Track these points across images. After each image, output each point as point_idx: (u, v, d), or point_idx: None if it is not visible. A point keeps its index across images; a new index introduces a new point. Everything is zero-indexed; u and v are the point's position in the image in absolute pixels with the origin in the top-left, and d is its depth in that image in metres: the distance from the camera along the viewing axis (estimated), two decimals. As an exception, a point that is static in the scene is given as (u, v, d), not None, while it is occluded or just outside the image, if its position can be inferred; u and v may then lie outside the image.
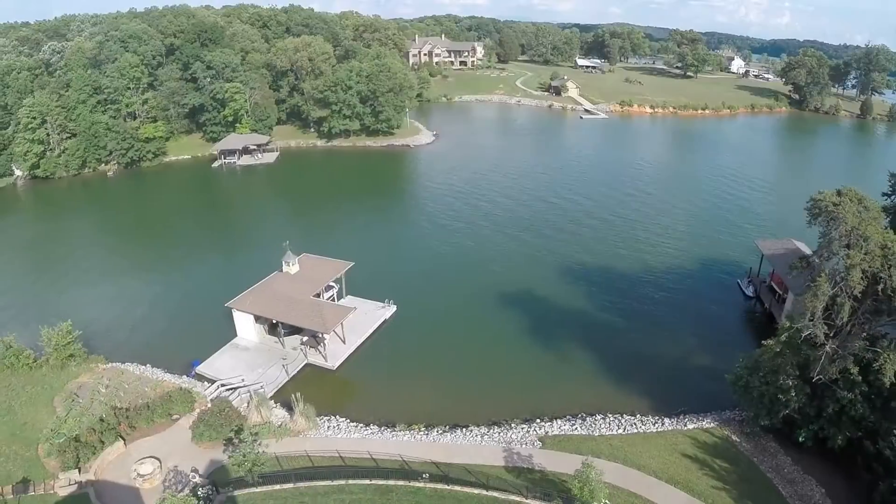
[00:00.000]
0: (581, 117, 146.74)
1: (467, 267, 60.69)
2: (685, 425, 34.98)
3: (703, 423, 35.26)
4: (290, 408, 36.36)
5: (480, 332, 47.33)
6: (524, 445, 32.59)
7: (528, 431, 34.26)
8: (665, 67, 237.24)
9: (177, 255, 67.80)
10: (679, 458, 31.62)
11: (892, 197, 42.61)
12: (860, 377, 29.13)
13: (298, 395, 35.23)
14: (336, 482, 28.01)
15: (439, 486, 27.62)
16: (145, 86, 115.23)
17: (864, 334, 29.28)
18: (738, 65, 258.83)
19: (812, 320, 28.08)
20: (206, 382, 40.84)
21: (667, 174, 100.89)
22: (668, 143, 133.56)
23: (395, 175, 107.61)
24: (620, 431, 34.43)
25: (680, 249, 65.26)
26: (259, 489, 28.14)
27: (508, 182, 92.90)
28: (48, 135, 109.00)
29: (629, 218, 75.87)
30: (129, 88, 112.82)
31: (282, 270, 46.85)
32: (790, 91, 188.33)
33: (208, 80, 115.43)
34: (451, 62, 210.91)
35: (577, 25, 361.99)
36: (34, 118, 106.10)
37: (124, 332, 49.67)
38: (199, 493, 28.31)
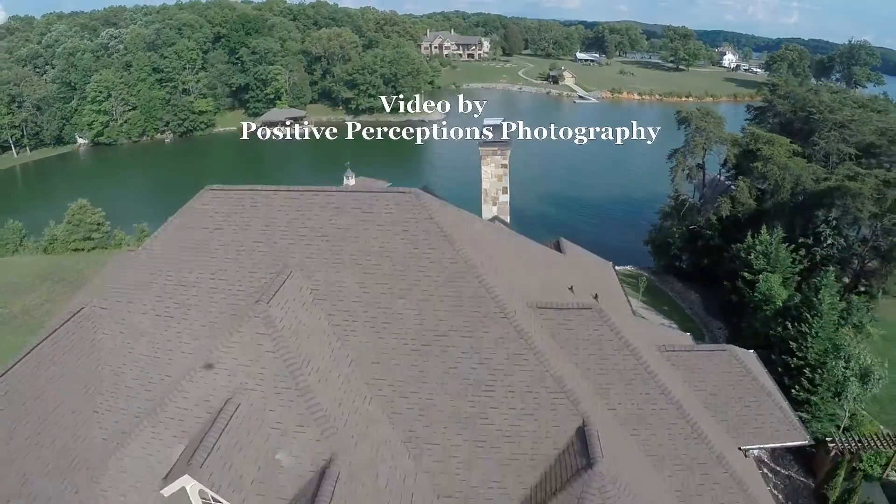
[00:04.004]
0: (575, 102, 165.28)
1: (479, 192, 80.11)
2: (615, 267, 53.26)
3: (626, 268, 53.53)
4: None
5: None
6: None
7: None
8: (660, 62, 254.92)
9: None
10: (605, 277, 49.94)
11: (752, 121, 60.33)
12: (716, 220, 47.18)
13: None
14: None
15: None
16: (199, 67, 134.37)
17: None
18: (729, 59, 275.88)
19: (676, 179, 46.52)
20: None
21: (637, 139, 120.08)
22: (646, 120, 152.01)
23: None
24: (571, 268, 53.06)
25: (637, 187, 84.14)
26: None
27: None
28: (112, 107, 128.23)
29: (601, 165, 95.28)
30: (185, 69, 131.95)
31: (343, 184, 65.49)
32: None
33: (252, 63, 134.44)
34: (460, 54, 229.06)
35: (582, 22, 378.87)
36: (100, 92, 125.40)
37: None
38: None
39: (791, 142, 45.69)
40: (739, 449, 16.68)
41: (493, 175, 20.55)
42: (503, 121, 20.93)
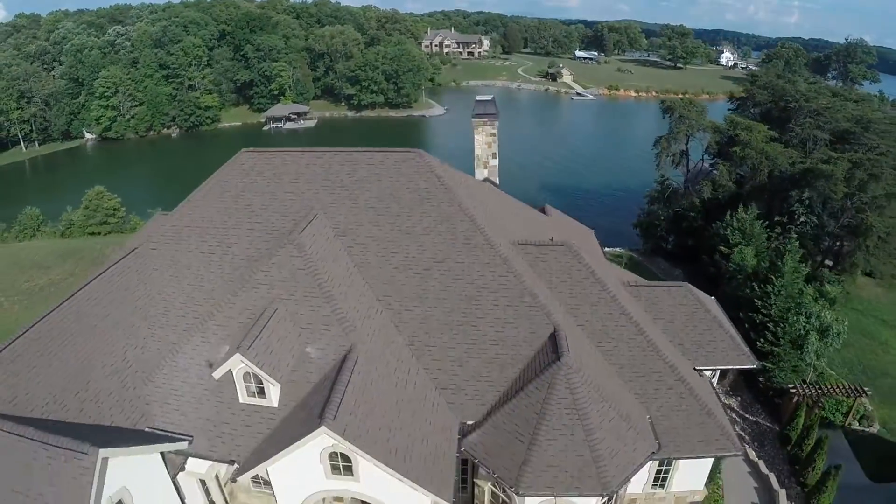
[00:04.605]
0: (572, 98, 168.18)
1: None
2: (604, 249, 56.31)
3: (616, 249, 56.50)
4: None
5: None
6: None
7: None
8: (658, 60, 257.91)
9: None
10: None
11: (734, 111, 63.02)
12: (699, 203, 50.11)
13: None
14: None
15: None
16: (205, 63, 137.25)
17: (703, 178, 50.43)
18: (727, 57, 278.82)
19: (661, 164, 49.47)
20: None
21: (628, 130, 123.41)
22: (642, 115, 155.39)
23: (418, 132, 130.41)
24: (564, 248, 56.18)
25: (629, 176, 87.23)
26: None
27: (506, 133, 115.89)
28: (120, 102, 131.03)
29: (594, 155, 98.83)
30: (191, 65, 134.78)
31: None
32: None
33: (257, 59, 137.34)
34: (460, 52, 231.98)
35: (583, 22, 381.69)
36: (108, 87, 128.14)
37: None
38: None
39: (769, 128, 48.61)
40: (694, 369, 19.60)
41: (483, 142, 23.62)
42: (492, 97, 23.97)
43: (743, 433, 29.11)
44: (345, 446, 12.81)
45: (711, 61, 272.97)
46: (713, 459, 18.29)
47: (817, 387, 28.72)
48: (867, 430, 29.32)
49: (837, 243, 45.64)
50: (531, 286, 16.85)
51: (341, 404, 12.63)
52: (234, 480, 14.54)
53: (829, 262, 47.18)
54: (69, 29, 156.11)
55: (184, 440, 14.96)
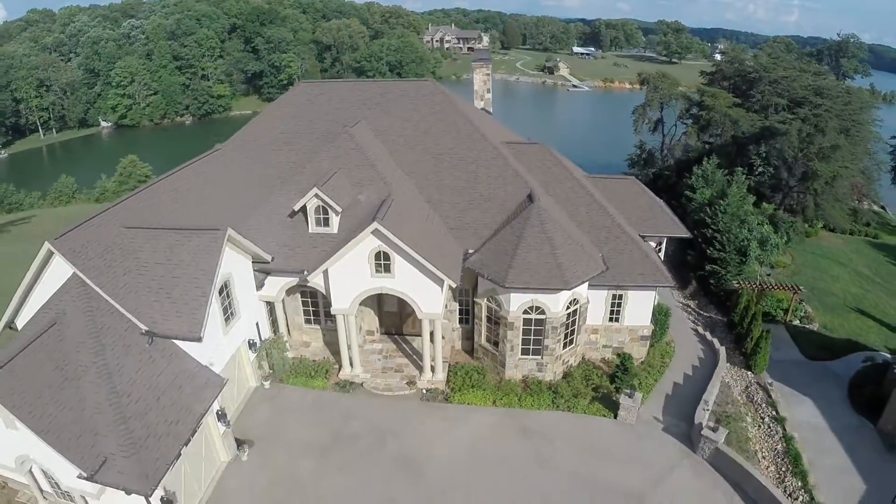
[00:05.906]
0: (569, 90, 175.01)
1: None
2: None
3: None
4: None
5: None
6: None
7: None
8: (654, 55, 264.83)
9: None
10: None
11: (706, 85, 69.64)
12: (673, 163, 56.66)
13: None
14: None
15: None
16: (217, 55, 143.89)
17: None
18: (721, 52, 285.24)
19: (638, 129, 56.13)
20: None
21: (618, 115, 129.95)
22: (628, 104, 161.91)
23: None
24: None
25: (616, 151, 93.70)
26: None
27: (505, 122, 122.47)
28: (135, 92, 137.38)
29: (586, 134, 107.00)
30: (204, 56, 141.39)
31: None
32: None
33: (267, 51, 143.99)
34: (460, 48, 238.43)
35: (582, 20, 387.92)
36: (125, 77, 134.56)
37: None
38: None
39: (734, 96, 55.19)
40: (640, 236, 26.06)
41: (480, 80, 30.37)
42: (487, 47, 30.63)
43: (697, 323, 35.54)
44: (388, 244, 19.34)
45: (706, 57, 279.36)
46: (654, 297, 24.53)
47: (759, 283, 35.02)
48: (807, 326, 35.11)
49: (796, 200, 51.90)
50: (514, 165, 23.47)
51: (387, 214, 19.19)
52: (305, 281, 20.93)
53: (792, 220, 53.71)
54: (84, 22, 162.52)
55: (268, 256, 21.39)
